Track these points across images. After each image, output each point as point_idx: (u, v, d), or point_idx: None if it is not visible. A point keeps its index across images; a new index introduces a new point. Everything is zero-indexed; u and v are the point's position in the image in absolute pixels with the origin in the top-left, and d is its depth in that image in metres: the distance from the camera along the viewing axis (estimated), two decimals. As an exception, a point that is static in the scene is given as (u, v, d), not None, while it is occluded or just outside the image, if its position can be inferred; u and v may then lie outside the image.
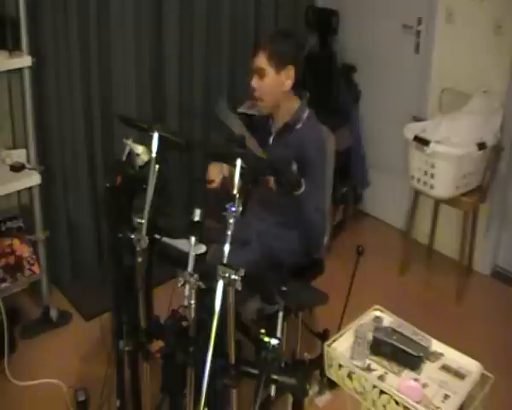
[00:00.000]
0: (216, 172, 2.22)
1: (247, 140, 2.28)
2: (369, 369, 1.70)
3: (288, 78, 2.20)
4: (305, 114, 2.25)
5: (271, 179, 2.05)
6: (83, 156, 3.00)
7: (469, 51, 3.17)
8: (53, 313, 2.82)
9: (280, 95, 2.23)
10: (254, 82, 2.21)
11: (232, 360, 1.64)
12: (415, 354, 1.70)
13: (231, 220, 1.53)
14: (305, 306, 2.33)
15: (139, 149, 1.77)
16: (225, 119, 2.21)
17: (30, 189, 2.65)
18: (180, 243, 1.77)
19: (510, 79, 3.04)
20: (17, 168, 2.59)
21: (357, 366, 1.69)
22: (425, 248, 3.58)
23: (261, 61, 2.18)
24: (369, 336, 1.74)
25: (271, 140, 2.33)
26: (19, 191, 2.75)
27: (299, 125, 2.24)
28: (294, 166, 2.01)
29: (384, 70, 3.65)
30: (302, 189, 2.02)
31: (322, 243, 2.42)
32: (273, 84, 2.19)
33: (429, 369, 1.71)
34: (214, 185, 2.21)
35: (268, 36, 2.29)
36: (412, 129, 3.02)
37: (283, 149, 2.23)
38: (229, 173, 2.18)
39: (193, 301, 1.60)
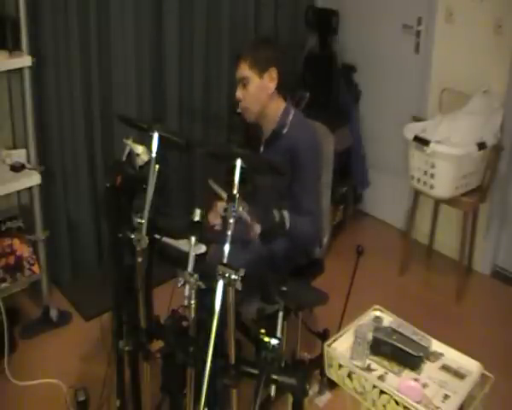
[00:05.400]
0: (214, 216, 2.25)
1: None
2: (369, 369, 1.70)
3: (271, 80, 2.21)
4: (291, 117, 2.25)
5: (255, 231, 2.05)
6: (83, 156, 3.00)
7: (469, 51, 3.17)
8: (53, 313, 2.82)
9: (265, 99, 2.23)
10: (239, 93, 2.22)
11: (232, 360, 1.64)
12: (415, 354, 1.70)
13: (231, 220, 1.53)
14: (305, 306, 2.33)
15: (139, 149, 1.77)
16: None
17: (30, 189, 2.65)
18: (180, 243, 1.77)
19: (510, 79, 3.04)
20: (17, 168, 2.59)
21: (357, 366, 1.69)
22: (425, 248, 3.58)
23: (243, 70, 2.19)
24: (369, 336, 1.74)
25: (262, 149, 2.34)
26: (19, 191, 2.75)
27: (285, 130, 2.24)
28: (277, 216, 2.02)
29: (384, 70, 3.65)
30: (288, 226, 2.03)
31: (319, 243, 2.42)
32: (258, 89, 2.20)
33: (429, 369, 1.71)
34: (218, 228, 2.21)
35: (247, 45, 2.31)
36: (412, 129, 3.02)
37: (274, 157, 2.22)
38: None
39: (193, 301, 1.60)
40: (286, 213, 2.09)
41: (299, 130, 2.24)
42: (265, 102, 2.24)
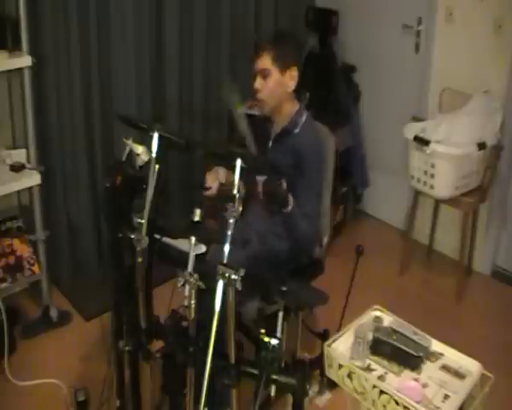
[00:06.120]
0: (213, 179, 2.23)
1: (247, 140, 2.28)
2: (369, 369, 1.70)
3: (291, 79, 2.20)
4: (303, 118, 2.25)
5: (260, 192, 2.03)
6: (83, 156, 3.00)
7: (469, 51, 3.17)
8: (53, 313, 2.82)
9: (283, 96, 2.23)
10: (258, 83, 2.20)
11: (232, 360, 1.64)
12: (415, 354, 1.70)
13: (231, 220, 1.53)
14: (305, 306, 2.32)
15: (139, 149, 1.77)
16: (235, 113, 2.23)
17: (30, 189, 2.65)
18: (180, 243, 1.77)
19: (510, 79, 3.04)
20: (17, 168, 2.59)
21: (357, 366, 1.69)
22: (425, 248, 3.58)
23: (266, 61, 2.17)
24: (369, 336, 1.74)
25: (270, 144, 2.33)
26: (19, 191, 2.75)
27: (296, 130, 2.23)
28: (284, 185, 2.01)
29: (384, 70, 3.65)
30: (290, 207, 2.02)
31: (319, 243, 2.41)
32: (277, 84, 2.19)
33: (429, 369, 1.71)
34: (211, 192, 2.21)
35: (270, 37, 2.27)
36: (412, 129, 3.02)
37: (281, 155, 2.22)
38: (227, 180, 2.19)
39: (193, 301, 1.60)
40: (291, 197, 2.07)
41: (310, 134, 2.24)
42: (282, 99, 2.23)
